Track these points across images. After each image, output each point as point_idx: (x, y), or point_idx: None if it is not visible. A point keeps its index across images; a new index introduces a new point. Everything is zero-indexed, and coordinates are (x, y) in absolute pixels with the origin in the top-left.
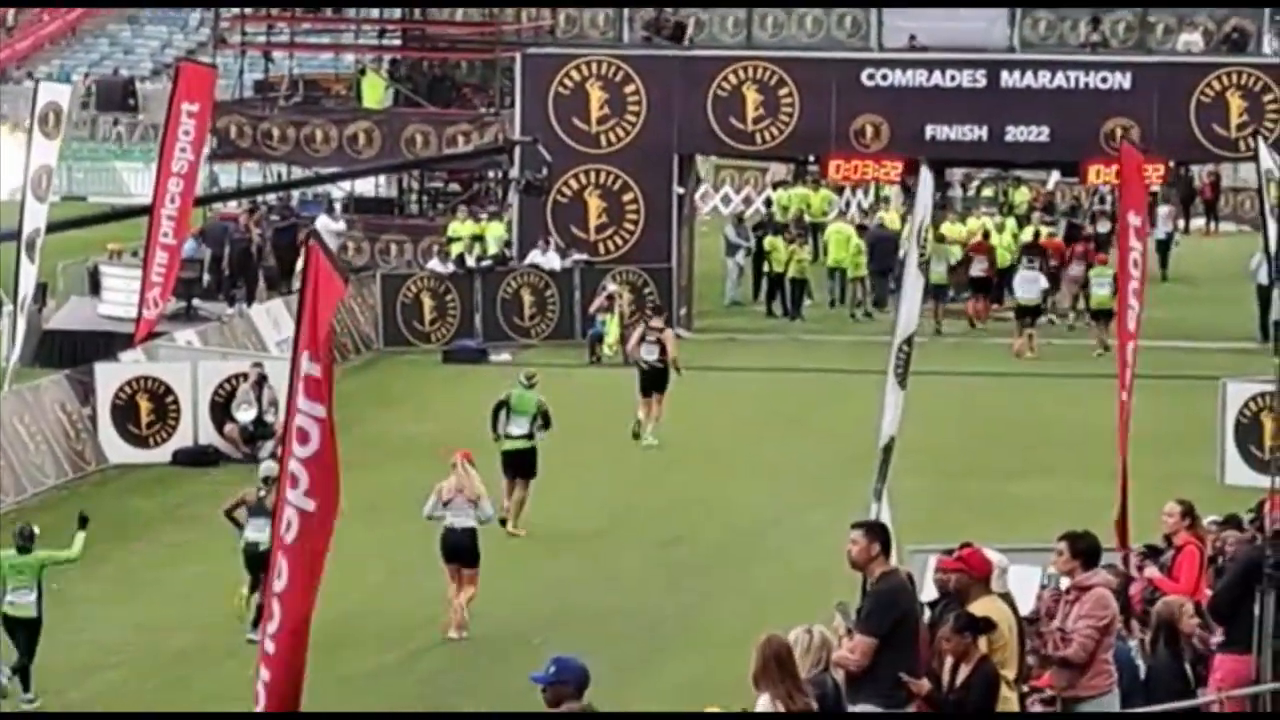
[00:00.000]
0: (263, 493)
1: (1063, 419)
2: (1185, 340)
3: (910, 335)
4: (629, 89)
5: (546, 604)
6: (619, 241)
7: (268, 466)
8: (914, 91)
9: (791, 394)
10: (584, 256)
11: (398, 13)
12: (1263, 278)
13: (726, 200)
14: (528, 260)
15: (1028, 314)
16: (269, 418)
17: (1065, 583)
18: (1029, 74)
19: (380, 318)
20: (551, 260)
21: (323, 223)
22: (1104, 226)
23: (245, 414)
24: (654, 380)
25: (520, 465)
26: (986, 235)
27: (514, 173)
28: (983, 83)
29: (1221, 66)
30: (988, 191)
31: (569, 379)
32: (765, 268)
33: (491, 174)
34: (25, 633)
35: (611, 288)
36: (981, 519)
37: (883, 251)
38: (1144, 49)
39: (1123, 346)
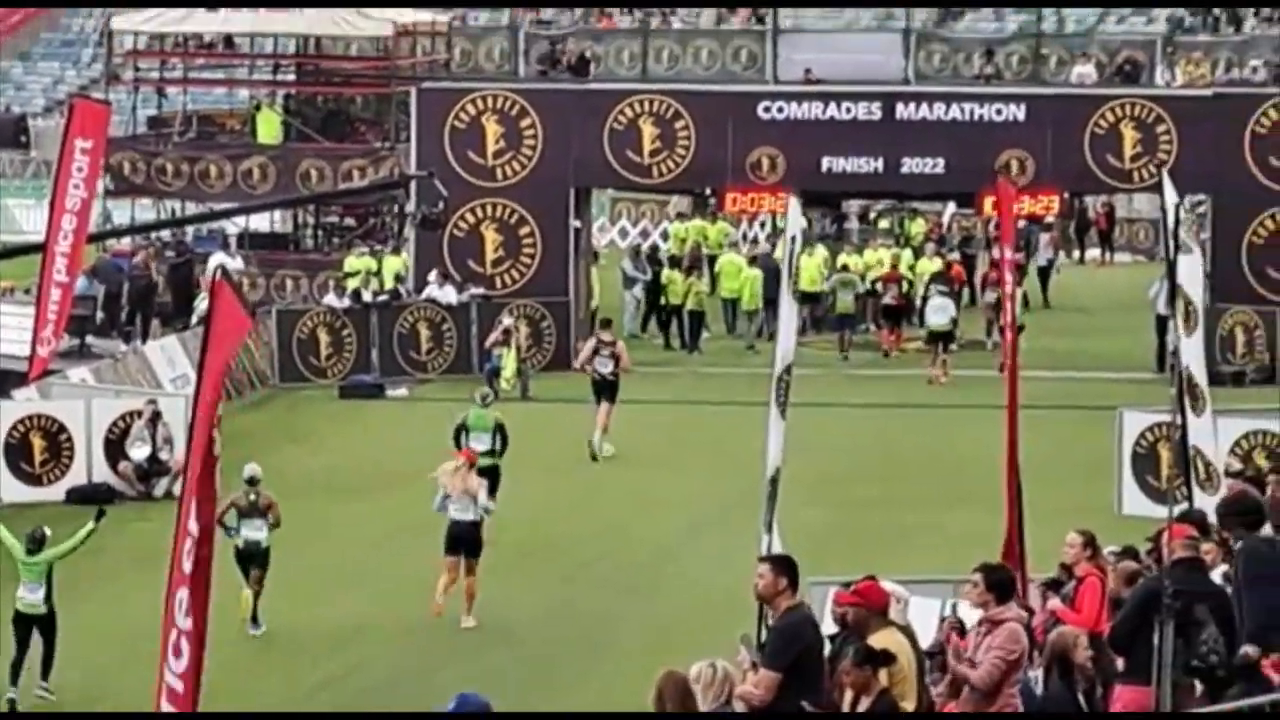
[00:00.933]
0: (253, 496)
1: (962, 449)
2: (1082, 370)
3: (789, 365)
4: (525, 123)
5: (445, 636)
6: (516, 275)
7: (251, 468)
8: (810, 124)
9: (690, 425)
10: (481, 290)
11: (292, 47)
12: (1161, 307)
13: (624, 233)
14: (424, 294)
15: (940, 340)
16: (163, 455)
17: (968, 614)
18: (924, 106)
19: (276, 353)
20: (448, 294)
21: (218, 259)
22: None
23: (139, 451)
24: (606, 389)
25: (485, 477)
26: (895, 265)
27: (410, 207)
28: (878, 115)
29: (1115, 98)
30: (884, 223)
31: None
32: (662, 300)
33: (387, 208)
34: (40, 628)
35: (508, 322)
36: (881, 550)
37: (771, 283)
38: (1038, 81)
39: (1011, 376)
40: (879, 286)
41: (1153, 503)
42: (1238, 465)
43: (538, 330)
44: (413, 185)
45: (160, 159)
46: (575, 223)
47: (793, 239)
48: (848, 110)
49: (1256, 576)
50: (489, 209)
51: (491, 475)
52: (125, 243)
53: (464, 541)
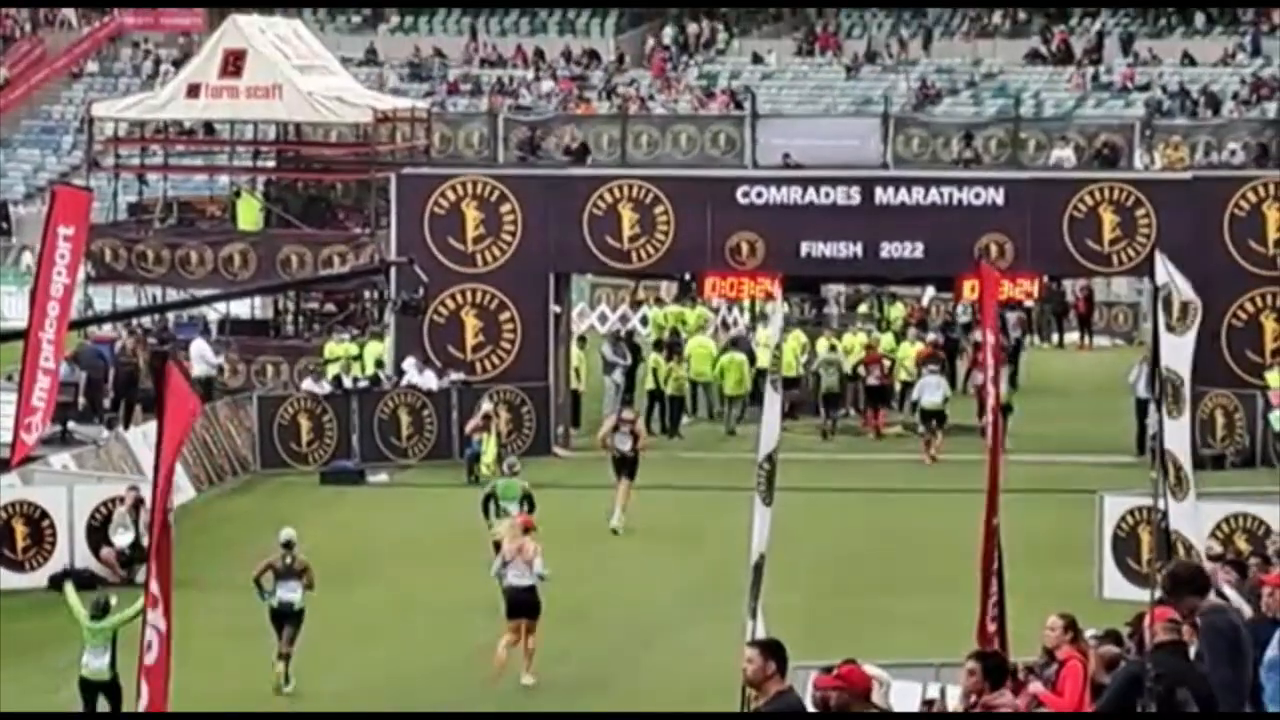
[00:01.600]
0: (288, 559)
1: (945, 533)
2: (1062, 454)
3: (770, 453)
4: (504, 208)
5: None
6: (496, 361)
7: (287, 533)
8: (789, 209)
9: (670, 511)
10: (461, 376)
11: (272, 133)
12: (1141, 390)
13: (603, 318)
14: (404, 380)
15: (932, 418)
16: (146, 541)
17: (954, 700)
18: (903, 190)
19: (257, 439)
20: (428, 380)
21: (198, 348)
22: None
23: (122, 538)
24: (625, 466)
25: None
26: (874, 347)
27: (390, 293)
28: (857, 199)
29: (1093, 182)
30: (864, 308)
31: (447, 499)
32: (650, 385)
33: (368, 294)
34: (106, 694)
35: (487, 407)
36: (861, 634)
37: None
38: (1016, 165)
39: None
40: (861, 369)
41: (1134, 586)
42: (1218, 549)
43: (518, 415)
44: (393, 271)
45: (141, 245)
46: (555, 308)
47: (776, 330)
48: (826, 195)
49: (1218, 653)
50: (469, 295)
51: None
52: (106, 329)
53: (523, 606)
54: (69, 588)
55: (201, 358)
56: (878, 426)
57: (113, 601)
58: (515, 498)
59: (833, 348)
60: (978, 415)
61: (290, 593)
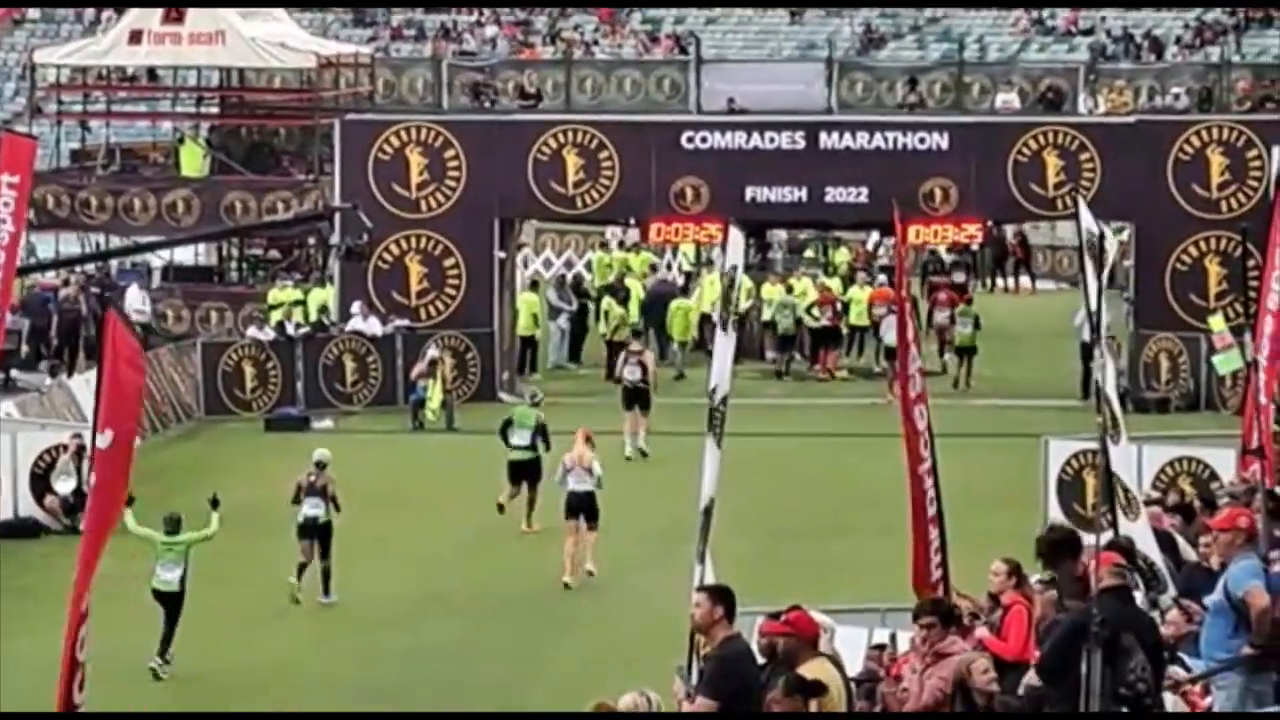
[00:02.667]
0: (313, 476)
1: (889, 477)
2: (1007, 398)
3: (724, 396)
4: (449, 154)
5: (378, 670)
6: (440, 307)
7: (321, 453)
8: (733, 153)
9: (618, 456)
10: (405, 322)
11: (215, 80)
12: (1086, 335)
13: (548, 264)
14: (349, 326)
15: (894, 356)
16: (89, 488)
17: (902, 644)
18: (847, 135)
19: (201, 386)
20: (373, 326)
21: (131, 297)
22: (960, 276)
23: (65, 485)
24: (637, 397)
25: (524, 472)
26: (827, 290)
27: (334, 239)
28: (801, 144)
29: (1038, 126)
30: (809, 252)
31: (392, 445)
32: (603, 330)
33: (312, 240)
34: (169, 605)
35: (433, 353)
36: (805, 579)
37: (662, 306)
38: (961, 109)
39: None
40: (815, 310)
41: (1079, 530)
42: (1155, 494)
43: (463, 362)
44: (337, 217)
45: (84, 192)
46: (500, 254)
47: (733, 268)
48: (771, 140)
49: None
50: (413, 241)
51: (532, 469)
52: (50, 277)
53: (581, 508)
54: (129, 516)
55: (133, 307)
56: (830, 369)
57: (183, 516)
58: (529, 426)
59: (789, 289)
60: (939, 354)
61: (314, 509)
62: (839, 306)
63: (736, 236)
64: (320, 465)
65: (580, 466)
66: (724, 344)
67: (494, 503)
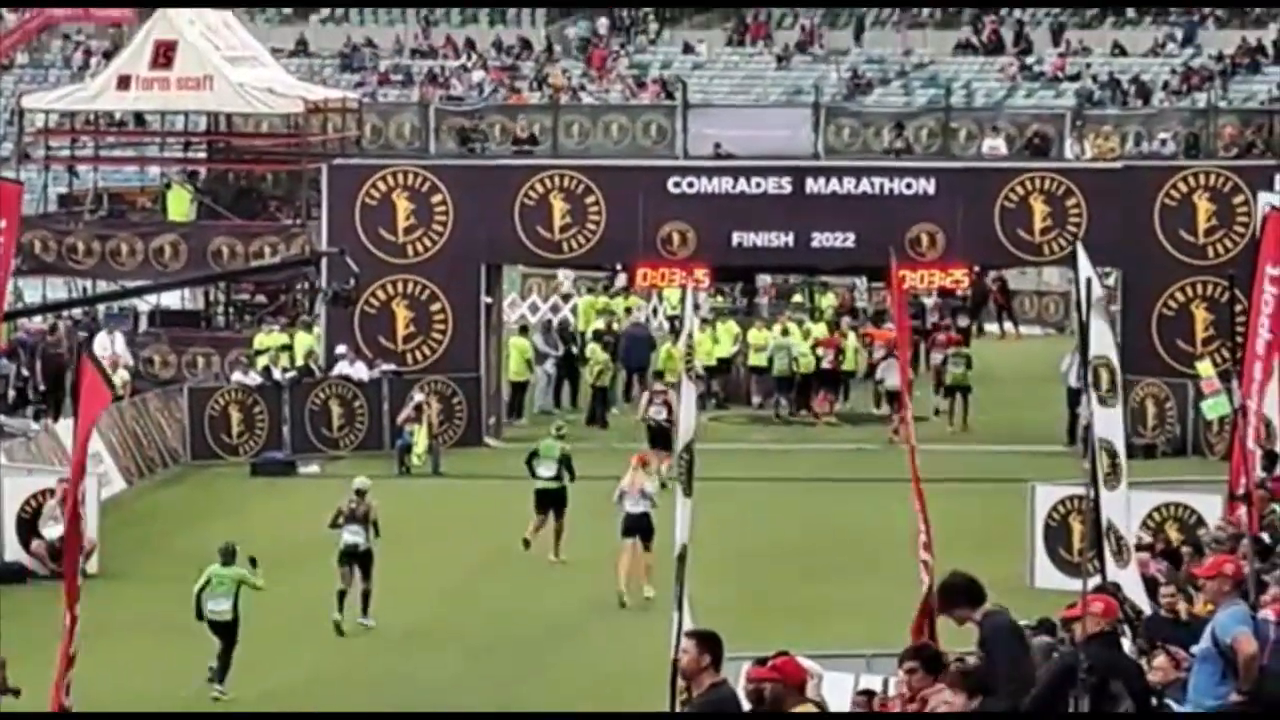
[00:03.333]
0: (353, 503)
1: (874, 521)
2: (992, 444)
3: (689, 443)
4: (436, 199)
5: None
6: (427, 351)
7: (361, 480)
8: (720, 198)
9: (602, 501)
10: (392, 367)
11: (203, 124)
12: (1073, 380)
13: (534, 308)
14: (335, 371)
15: (895, 399)
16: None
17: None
18: (834, 180)
19: (188, 431)
20: (359, 371)
21: (101, 340)
22: (963, 321)
23: (52, 530)
24: (661, 435)
25: (551, 501)
26: (840, 331)
27: (322, 284)
28: (788, 189)
29: (1024, 171)
30: (796, 297)
31: (378, 490)
32: (591, 378)
33: (299, 285)
34: (224, 633)
35: (419, 398)
36: (792, 625)
37: (638, 350)
38: (947, 155)
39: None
40: (819, 351)
41: (1065, 576)
42: (1148, 539)
43: (449, 406)
44: (324, 262)
45: (71, 237)
46: (486, 299)
47: (690, 319)
48: (757, 185)
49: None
50: (400, 285)
51: (558, 498)
52: (37, 321)
53: (637, 529)
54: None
55: (103, 351)
56: (827, 408)
57: (237, 548)
58: (554, 458)
59: (785, 332)
60: (934, 393)
61: (355, 535)
62: (840, 353)
63: (692, 293)
64: (360, 493)
65: (635, 490)
66: (687, 393)
67: (475, 544)
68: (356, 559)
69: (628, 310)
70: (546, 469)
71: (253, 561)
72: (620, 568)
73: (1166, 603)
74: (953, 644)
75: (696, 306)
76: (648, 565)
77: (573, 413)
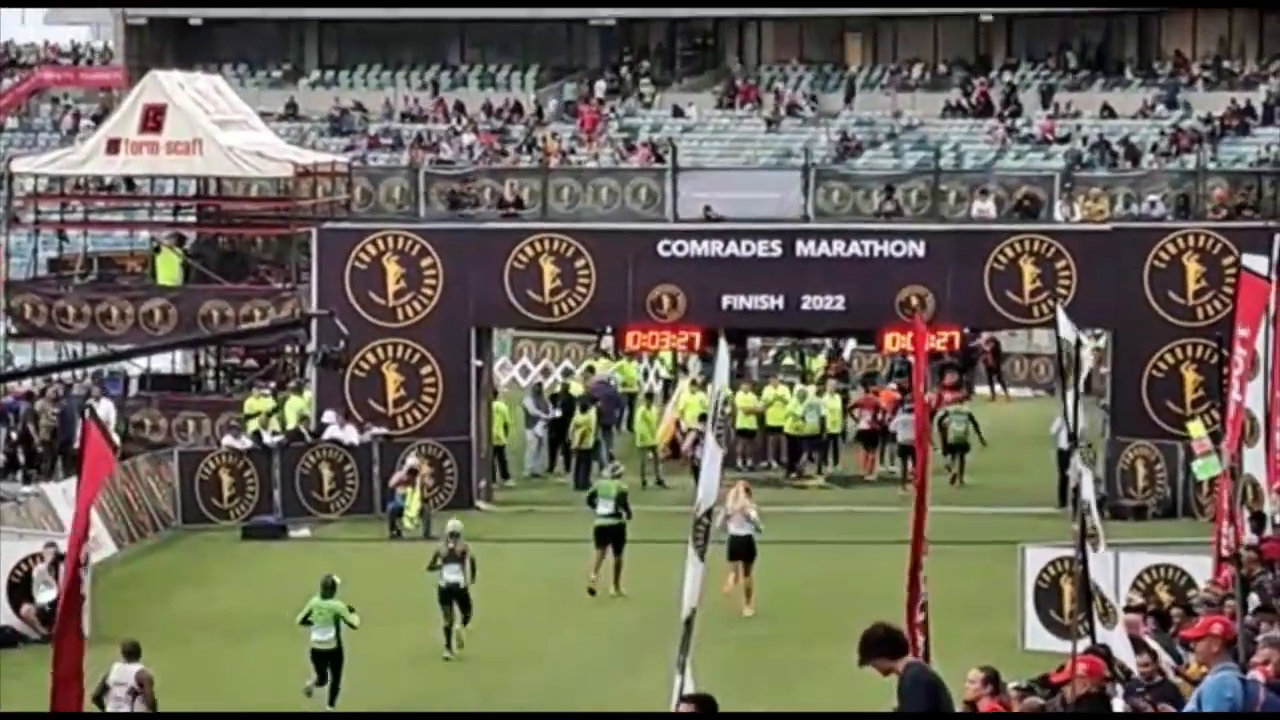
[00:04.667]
0: (451, 544)
1: (868, 583)
2: (983, 505)
3: (710, 509)
4: (425, 262)
5: None
6: (418, 415)
7: (454, 524)
8: (710, 261)
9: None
10: (383, 431)
11: (192, 188)
12: (1063, 442)
13: (525, 371)
14: (326, 435)
15: (909, 453)
16: None
17: None
18: (824, 243)
19: (178, 495)
20: (350, 435)
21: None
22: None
23: (44, 595)
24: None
25: (610, 537)
26: (878, 391)
27: (311, 346)
28: (778, 252)
29: (1014, 234)
30: (789, 359)
31: (370, 553)
32: (575, 441)
33: (289, 349)
34: (330, 661)
35: (413, 462)
36: (785, 687)
37: (607, 408)
38: (937, 217)
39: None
40: (856, 412)
41: (1056, 638)
42: (1138, 600)
43: (440, 470)
44: (313, 324)
45: (61, 301)
46: (476, 362)
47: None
48: (748, 247)
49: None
50: (390, 349)
51: (617, 534)
52: (27, 385)
53: (740, 551)
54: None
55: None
56: (870, 467)
57: (338, 580)
58: (611, 496)
59: (803, 396)
60: (941, 451)
61: (454, 574)
62: (879, 413)
63: (724, 350)
64: (454, 535)
65: (740, 514)
66: (713, 455)
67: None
68: (455, 596)
69: (590, 370)
70: (605, 506)
71: (350, 609)
72: (726, 584)
73: (1143, 672)
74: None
75: (686, 370)
76: (748, 588)
77: (563, 477)
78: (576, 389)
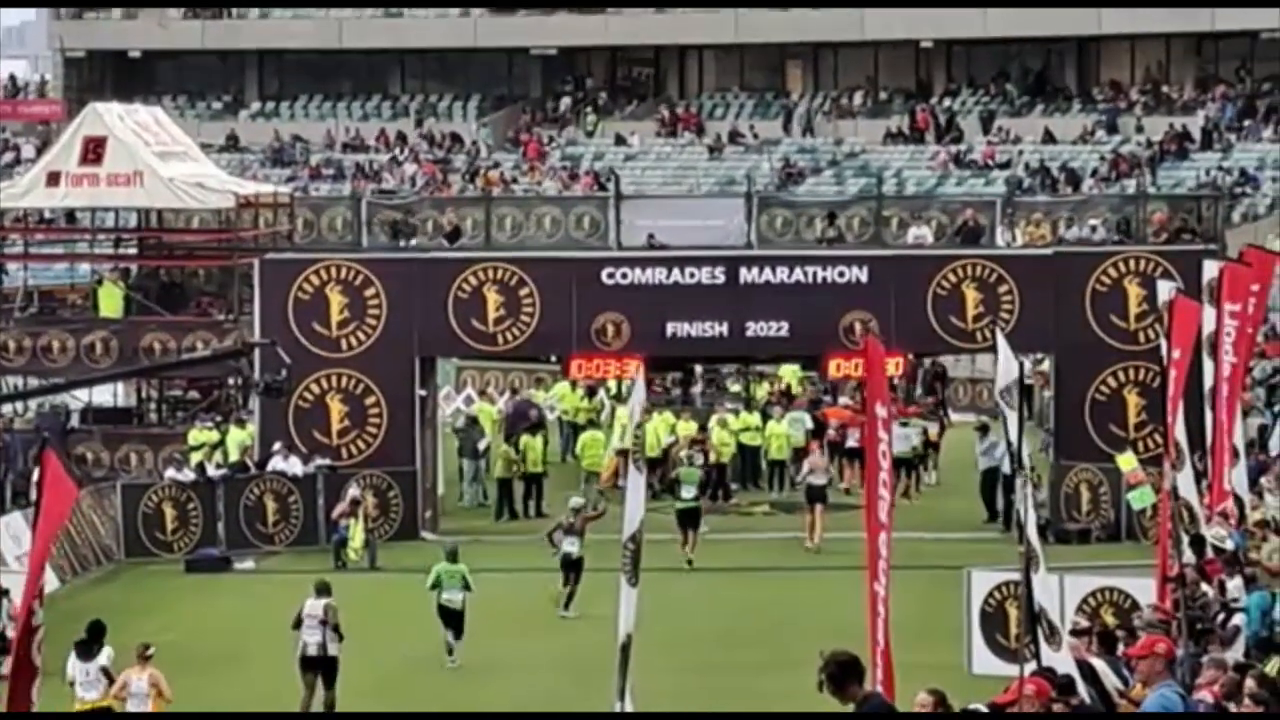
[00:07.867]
0: (572, 519)
1: (813, 609)
2: (928, 530)
3: (634, 534)
4: (369, 292)
5: None
6: (362, 445)
7: (576, 500)
8: (654, 289)
9: (536, 593)
10: (327, 461)
11: (133, 221)
12: (1006, 467)
13: (469, 401)
14: (270, 466)
15: (903, 466)
16: (10, 632)
17: None
18: (767, 270)
19: (121, 528)
20: (294, 466)
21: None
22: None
23: None
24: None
25: (691, 519)
26: (860, 410)
27: (254, 375)
28: (722, 279)
29: (957, 259)
30: (735, 387)
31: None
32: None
33: (231, 380)
34: (456, 619)
35: (354, 492)
36: (730, 713)
37: (513, 424)
38: (879, 243)
39: (874, 538)
40: (845, 430)
41: (1002, 661)
42: (1084, 623)
43: (385, 500)
44: (256, 353)
45: (1, 335)
46: (421, 392)
47: (636, 409)
48: (691, 275)
49: None
50: (334, 379)
51: (696, 514)
52: None
53: (817, 496)
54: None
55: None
56: (857, 482)
57: (459, 546)
58: (695, 481)
59: (723, 423)
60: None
61: (571, 546)
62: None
63: (639, 382)
64: (575, 510)
65: (820, 467)
66: (635, 482)
67: (412, 640)
68: (574, 567)
69: (513, 390)
70: (688, 490)
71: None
72: (806, 524)
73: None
74: None
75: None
76: (822, 525)
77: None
78: (487, 413)
